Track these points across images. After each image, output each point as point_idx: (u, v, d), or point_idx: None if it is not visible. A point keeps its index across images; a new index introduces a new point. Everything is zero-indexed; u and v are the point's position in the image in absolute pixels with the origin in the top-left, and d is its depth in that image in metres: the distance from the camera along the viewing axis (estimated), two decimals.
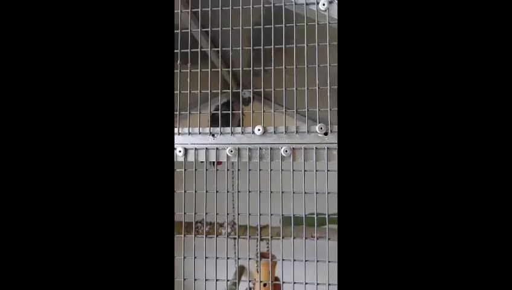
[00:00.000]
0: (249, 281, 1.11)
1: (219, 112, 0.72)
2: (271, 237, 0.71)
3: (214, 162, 0.73)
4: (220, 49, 0.72)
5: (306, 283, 0.66)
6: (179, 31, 0.73)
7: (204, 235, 0.73)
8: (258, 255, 1.03)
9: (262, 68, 0.71)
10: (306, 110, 0.69)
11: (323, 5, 0.69)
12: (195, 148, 0.72)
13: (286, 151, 0.69)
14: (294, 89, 0.70)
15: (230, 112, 0.73)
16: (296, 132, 0.70)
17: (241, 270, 1.28)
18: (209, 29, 0.73)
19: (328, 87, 0.68)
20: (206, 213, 0.70)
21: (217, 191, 0.70)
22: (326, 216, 0.67)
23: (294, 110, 0.69)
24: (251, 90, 0.72)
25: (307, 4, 0.70)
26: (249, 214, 0.70)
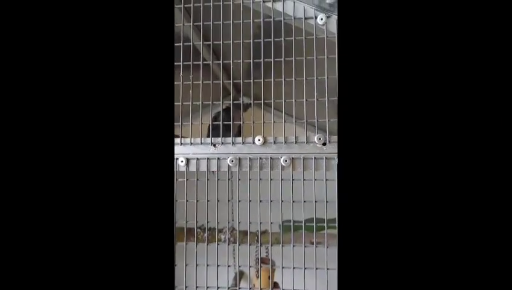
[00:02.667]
0: (249, 288, 1.12)
1: (220, 122, 0.74)
2: (271, 244, 0.73)
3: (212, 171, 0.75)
4: (221, 62, 0.74)
5: None
6: (181, 44, 0.75)
7: (205, 242, 0.74)
8: (259, 260, 1.04)
9: (262, 80, 0.73)
10: (305, 121, 0.71)
11: (321, 19, 0.72)
12: (197, 158, 0.74)
13: (286, 161, 0.71)
14: (293, 100, 0.72)
15: (231, 122, 0.75)
16: (295, 142, 0.72)
17: (240, 275, 1.29)
18: (211, 42, 0.75)
19: (326, 98, 0.70)
20: (207, 222, 0.72)
21: (218, 201, 0.72)
22: (325, 224, 0.69)
23: (293, 121, 0.71)
24: (251, 97, 0.74)
25: (305, 19, 0.73)
26: (250, 223, 0.72)
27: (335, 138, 0.71)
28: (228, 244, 0.75)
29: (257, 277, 1.18)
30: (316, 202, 0.69)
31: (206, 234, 0.77)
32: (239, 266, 0.72)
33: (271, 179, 0.71)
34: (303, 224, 0.70)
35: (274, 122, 0.72)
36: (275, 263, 0.82)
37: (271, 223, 0.70)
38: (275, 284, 0.92)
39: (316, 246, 0.69)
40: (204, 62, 0.75)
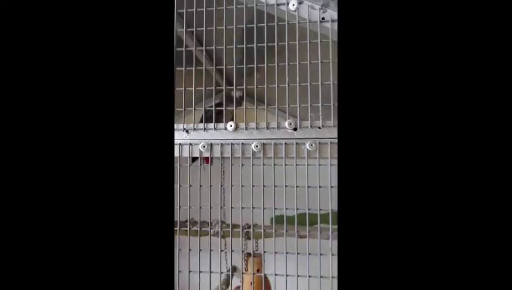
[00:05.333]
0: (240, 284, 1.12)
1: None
2: (242, 236, 0.73)
3: (195, 158, 0.75)
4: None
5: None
6: None
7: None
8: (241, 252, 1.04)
9: (234, 66, 0.73)
10: (276, 106, 0.71)
11: (293, 5, 0.72)
12: None
13: (257, 146, 0.71)
14: (265, 86, 0.72)
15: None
16: (267, 127, 0.72)
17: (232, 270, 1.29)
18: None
19: (297, 84, 0.70)
20: (180, 207, 0.73)
21: (190, 185, 0.72)
22: (295, 211, 0.68)
23: (265, 107, 0.71)
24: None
25: (277, 5, 0.73)
26: (221, 207, 0.72)
27: (306, 123, 0.70)
28: (221, 238, 0.75)
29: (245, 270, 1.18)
30: (286, 186, 0.69)
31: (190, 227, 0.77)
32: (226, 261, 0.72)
33: (242, 165, 0.71)
34: (273, 210, 0.69)
35: (246, 108, 0.72)
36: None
37: (242, 208, 0.70)
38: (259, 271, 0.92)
39: (285, 235, 0.69)
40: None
